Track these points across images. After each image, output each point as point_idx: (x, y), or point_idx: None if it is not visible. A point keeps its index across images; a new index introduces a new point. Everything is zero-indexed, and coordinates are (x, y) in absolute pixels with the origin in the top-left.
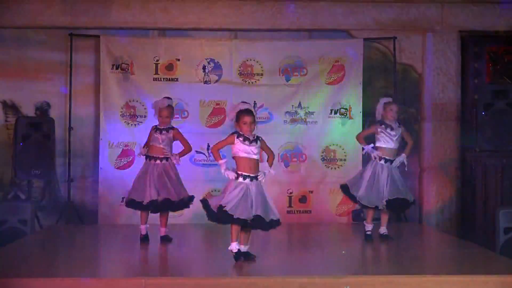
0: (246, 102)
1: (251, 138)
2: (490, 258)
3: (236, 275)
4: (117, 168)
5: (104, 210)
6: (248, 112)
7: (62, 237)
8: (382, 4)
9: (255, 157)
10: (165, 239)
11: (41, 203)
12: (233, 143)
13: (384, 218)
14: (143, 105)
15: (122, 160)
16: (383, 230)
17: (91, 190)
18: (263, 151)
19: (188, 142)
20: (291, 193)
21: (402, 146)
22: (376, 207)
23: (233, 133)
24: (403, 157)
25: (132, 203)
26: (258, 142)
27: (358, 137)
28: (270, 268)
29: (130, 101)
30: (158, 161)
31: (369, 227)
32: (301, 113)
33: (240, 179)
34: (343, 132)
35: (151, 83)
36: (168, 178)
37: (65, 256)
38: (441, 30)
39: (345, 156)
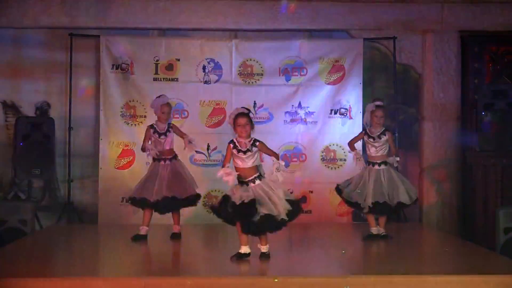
0: (245, 108)
1: (244, 149)
2: (490, 258)
3: (236, 275)
4: (117, 168)
5: (104, 210)
6: (241, 114)
7: (62, 237)
8: (382, 4)
9: (249, 166)
10: (176, 237)
11: (41, 203)
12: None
13: (381, 220)
14: (143, 105)
15: (122, 160)
16: (376, 230)
17: (91, 190)
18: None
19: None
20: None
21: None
22: (358, 205)
23: (229, 143)
24: (393, 159)
25: (137, 201)
26: (254, 148)
27: (349, 145)
28: (270, 268)
29: (130, 101)
30: (167, 162)
31: (373, 230)
32: (301, 113)
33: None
34: (343, 132)
35: (151, 83)
36: (176, 177)
37: (65, 256)
38: (441, 30)
39: (345, 156)
